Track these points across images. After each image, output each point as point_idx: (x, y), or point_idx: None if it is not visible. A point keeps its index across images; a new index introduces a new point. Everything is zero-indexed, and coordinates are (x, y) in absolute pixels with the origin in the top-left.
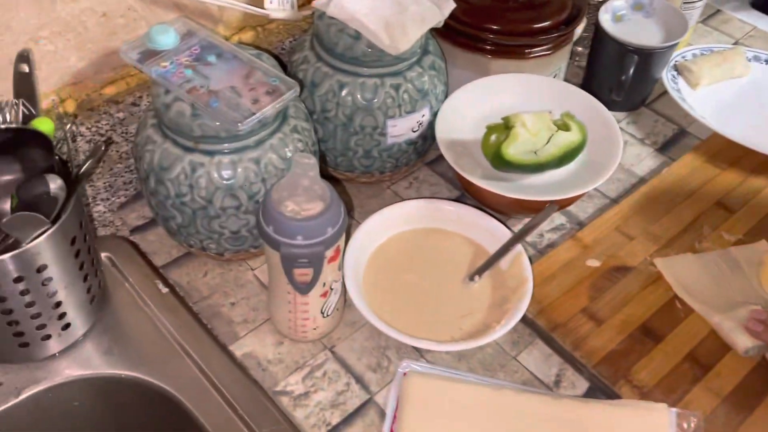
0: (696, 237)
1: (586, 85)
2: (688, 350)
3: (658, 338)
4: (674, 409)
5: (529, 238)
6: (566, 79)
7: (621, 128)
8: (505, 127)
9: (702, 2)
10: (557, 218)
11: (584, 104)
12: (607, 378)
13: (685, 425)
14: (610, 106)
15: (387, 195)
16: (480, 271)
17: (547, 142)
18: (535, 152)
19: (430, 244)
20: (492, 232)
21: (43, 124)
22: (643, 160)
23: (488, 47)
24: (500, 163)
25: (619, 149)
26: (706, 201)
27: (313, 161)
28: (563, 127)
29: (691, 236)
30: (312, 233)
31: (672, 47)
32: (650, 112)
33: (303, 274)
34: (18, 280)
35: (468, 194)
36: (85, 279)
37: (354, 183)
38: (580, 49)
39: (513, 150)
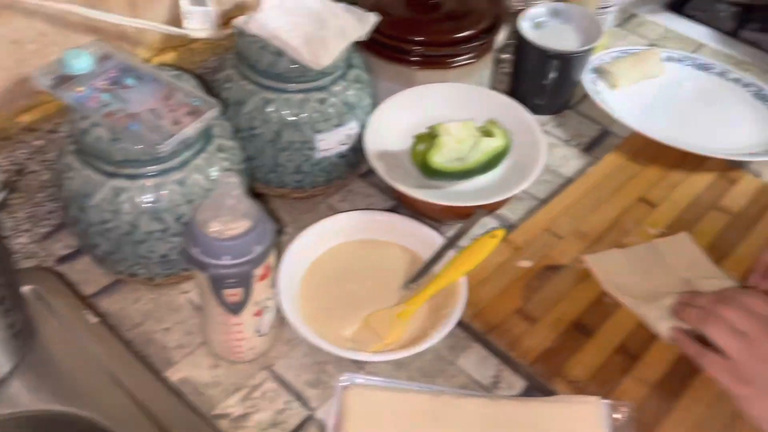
0: (622, 232)
1: (513, 91)
2: (618, 343)
3: (590, 333)
4: (606, 401)
5: (463, 243)
6: (494, 86)
7: (547, 131)
8: (431, 136)
9: (615, 7)
10: (489, 222)
11: (508, 110)
12: (542, 376)
13: (617, 415)
14: (536, 110)
15: (321, 209)
16: (415, 279)
17: (472, 149)
18: (462, 159)
19: (365, 255)
20: (426, 239)
21: None
22: (569, 161)
23: (413, 59)
24: (428, 171)
25: (543, 152)
26: (630, 197)
27: (237, 180)
28: (487, 133)
29: (617, 232)
30: (239, 252)
31: (589, 51)
32: (575, 114)
33: (233, 294)
34: None
35: (402, 204)
36: (6, 314)
37: (287, 199)
38: (506, 56)
39: (440, 158)
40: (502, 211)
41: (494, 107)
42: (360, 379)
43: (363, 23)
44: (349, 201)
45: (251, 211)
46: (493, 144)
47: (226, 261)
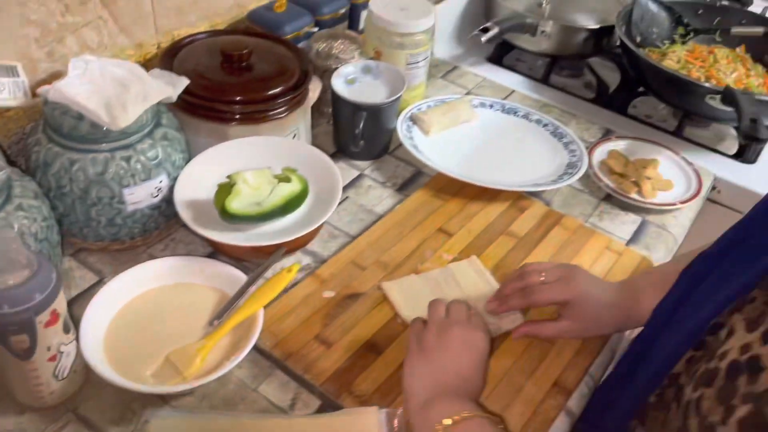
0: (419, 260)
1: (335, 140)
2: (404, 358)
3: (380, 352)
4: (384, 409)
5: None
6: (319, 137)
7: (365, 174)
8: (230, 185)
9: (425, 62)
10: (304, 259)
11: (312, 157)
12: (332, 393)
13: (395, 421)
14: (355, 156)
15: (143, 259)
16: (219, 316)
17: (270, 194)
18: (259, 204)
19: (175, 297)
20: (232, 279)
21: None
22: (383, 200)
23: (226, 116)
24: (227, 216)
25: (338, 194)
26: (430, 229)
27: (15, 234)
28: (284, 179)
29: (415, 259)
30: (18, 301)
31: (394, 102)
32: (393, 158)
33: (20, 341)
34: None
35: (215, 249)
36: None
37: (109, 251)
38: (328, 110)
39: (237, 204)
40: (316, 249)
41: (300, 155)
42: (162, 412)
43: (175, 87)
44: (170, 249)
45: (32, 261)
46: (289, 189)
47: (6, 310)
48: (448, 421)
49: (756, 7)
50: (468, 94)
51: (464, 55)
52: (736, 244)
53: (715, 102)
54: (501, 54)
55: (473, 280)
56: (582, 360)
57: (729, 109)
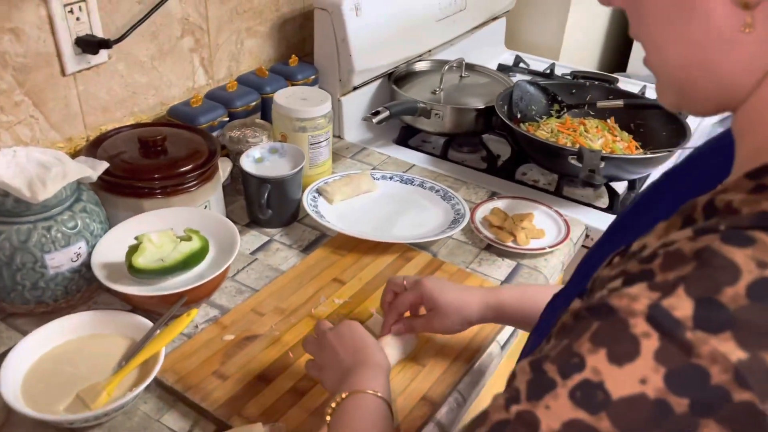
0: (313, 305)
1: (248, 212)
2: (291, 385)
3: (269, 382)
4: (267, 425)
5: (186, 330)
6: (235, 211)
7: (275, 239)
8: (138, 244)
9: (327, 142)
10: (211, 312)
11: (217, 222)
12: (225, 417)
13: None
14: (265, 224)
15: None
16: (127, 358)
17: (172, 251)
18: (163, 260)
19: (90, 345)
20: (141, 327)
21: None
22: (289, 260)
23: (142, 192)
24: (134, 271)
25: (235, 249)
26: (326, 279)
27: None
28: (186, 238)
29: (310, 305)
30: None
31: (294, 175)
32: (301, 225)
33: None
34: None
35: (131, 305)
36: None
37: (35, 315)
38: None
39: (142, 260)
40: (223, 302)
41: (206, 221)
42: None
43: (96, 169)
44: (93, 309)
45: None
46: (190, 246)
47: None
48: (333, 405)
49: (633, 86)
50: (373, 169)
51: (373, 139)
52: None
53: (575, 161)
54: (407, 136)
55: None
56: (449, 377)
57: (581, 164)
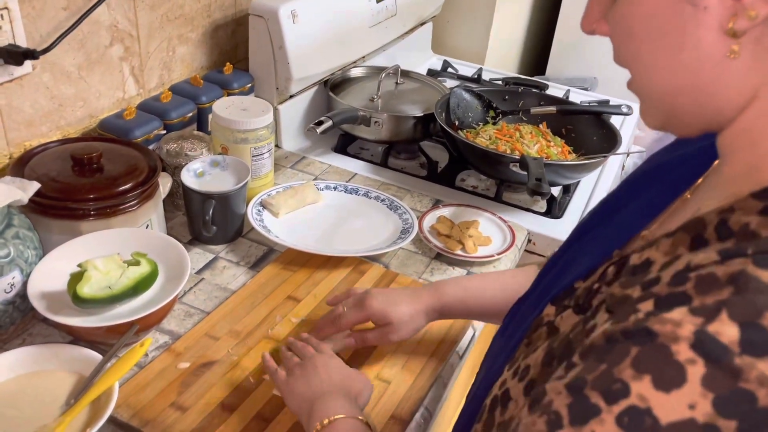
0: (269, 325)
1: (190, 229)
2: (256, 412)
3: (233, 409)
4: None
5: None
6: (175, 228)
7: (220, 257)
8: (81, 272)
9: (269, 153)
10: (161, 338)
11: (162, 242)
12: None
13: None
14: (210, 241)
15: None
16: (77, 395)
17: (120, 278)
18: (110, 287)
19: (32, 384)
20: (88, 361)
21: None
22: (237, 278)
23: (78, 213)
24: (79, 301)
25: (186, 272)
26: (280, 297)
27: None
28: (134, 263)
29: (266, 326)
30: None
31: (239, 189)
32: (247, 240)
33: None
34: None
35: (74, 336)
36: None
37: None
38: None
39: (88, 288)
40: (173, 327)
41: (151, 242)
42: None
43: (26, 191)
44: (28, 343)
45: None
46: (139, 271)
47: None
48: (325, 421)
49: (558, 90)
50: (315, 179)
51: (312, 147)
52: (528, 295)
53: (517, 168)
54: (345, 144)
55: None
56: (415, 393)
57: (524, 172)
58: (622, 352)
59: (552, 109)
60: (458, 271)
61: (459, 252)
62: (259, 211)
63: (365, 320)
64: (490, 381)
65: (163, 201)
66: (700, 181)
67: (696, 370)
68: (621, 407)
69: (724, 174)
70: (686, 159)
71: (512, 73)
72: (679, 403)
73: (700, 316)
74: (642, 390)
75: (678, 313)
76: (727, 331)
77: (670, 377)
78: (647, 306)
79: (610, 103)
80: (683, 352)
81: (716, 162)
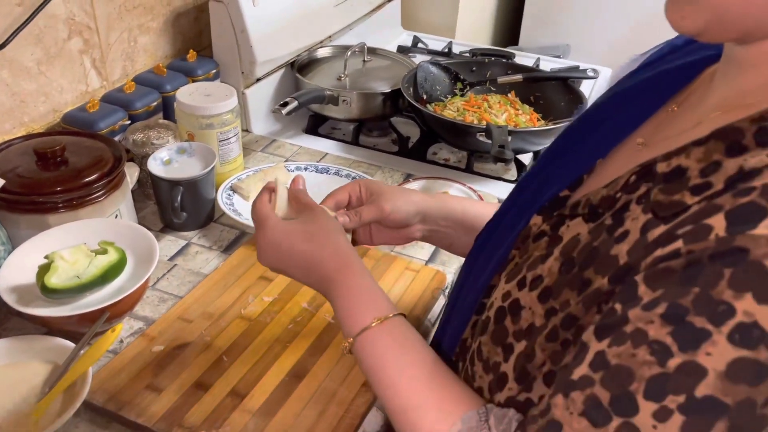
0: (242, 305)
1: (161, 217)
2: (230, 389)
3: (207, 388)
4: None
5: (112, 347)
6: (147, 217)
7: (192, 242)
8: (49, 263)
9: (236, 137)
10: (135, 324)
11: (132, 231)
12: (164, 430)
13: None
14: (181, 227)
15: None
16: (52, 383)
17: (88, 267)
18: (78, 276)
19: (7, 376)
20: (62, 350)
21: None
22: (210, 262)
23: (45, 207)
24: (48, 292)
25: (155, 258)
26: (252, 278)
27: None
28: (102, 252)
29: (239, 306)
30: None
31: (208, 173)
32: (218, 225)
33: None
34: None
35: (49, 328)
36: None
37: None
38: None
39: (56, 279)
40: (147, 313)
41: (119, 231)
42: None
43: None
44: (2, 336)
45: None
46: (107, 259)
47: None
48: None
49: (528, 59)
50: (286, 161)
51: (282, 130)
52: (506, 210)
53: (484, 138)
54: (316, 125)
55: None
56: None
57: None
58: (715, 274)
59: (518, 77)
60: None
61: None
62: (229, 195)
63: (356, 194)
64: (477, 295)
65: (134, 191)
66: (686, 94)
67: None
68: (729, 327)
69: (735, 85)
70: (663, 76)
71: (485, 45)
72: None
73: None
74: (746, 307)
75: (764, 228)
76: None
77: None
78: (719, 222)
79: (580, 69)
80: None
81: (703, 76)
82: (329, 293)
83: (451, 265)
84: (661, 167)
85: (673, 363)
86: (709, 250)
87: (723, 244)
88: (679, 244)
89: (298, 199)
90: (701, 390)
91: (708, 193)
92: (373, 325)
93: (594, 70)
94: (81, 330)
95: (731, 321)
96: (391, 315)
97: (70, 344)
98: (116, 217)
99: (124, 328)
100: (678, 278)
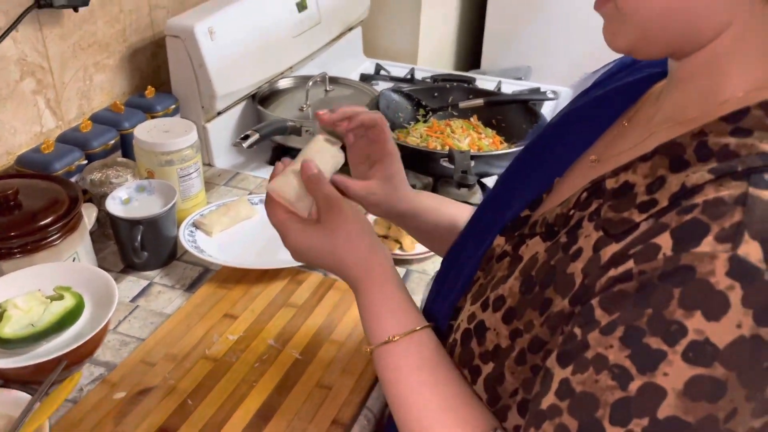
0: (206, 345)
1: (121, 257)
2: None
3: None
4: None
5: (71, 396)
6: (107, 258)
7: (155, 282)
8: (0, 312)
9: (197, 173)
10: (96, 370)
11: (90, 274)
12: None
13: None
14: (142, 267)
15: None
16: None
17: (43, 314)
18: (33, 324)
19: None
20: (17, 402)
21: None
22: (173, 301)
23: None
24: (1, 342)
25: (114, 301)
26: (216, 316)
27: None
28: (58, 297)
29: (203, 346)
30: None
31: (169, 210)
32: (181, 263)
33: None
34: None
35: (3, 378)
36: None
37: None
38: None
39: (9, 329)
40: (108, 359)
41: (76, 274)
42: None
43: None
44: None
45: None
46: (63, 305)
47: None
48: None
49: (490, 83)
50: (250, 194)
51: (245, 162)
52: (470, 232)
53: (447, 163)
54: (279, 156)
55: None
56: (356, 397)
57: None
58: (666, 294)
59: (479, 101)
60: (399, 269)
61: (397, 251)
62: (191, 231)
63: (371, 125)
64: (444, 318)
65: (94, 232)
66: (634, 110)
67: (736, 294)
68: (683, 345)
69: (676, 100)
70: (613, 93)
71: (447, 69)
72: (729, 326)
73: (726, 242)
74: (696, 325)
75: (707, 245)
76: (752, 250)
77: (717, 306)
78: (665, 241)
79: (540, 90)
80: (722, 280)
81: (651, 92)
82: (356, 298)
83: (418, 293)
84: (610, 183)
85: (634, 386)
86: (659, 270)
87: (670, 263)
88: (630, 264)
89: (316, 193)
90: (663, 411)
91: (654, 210)
92: (394, 339)
93: (554, 92)
94: (38, 380)
95: (684, 340)
96: (417, 328)
97: (26, 396)
98: (74, 260)
99: (84, 375)
100: (632, 300)
